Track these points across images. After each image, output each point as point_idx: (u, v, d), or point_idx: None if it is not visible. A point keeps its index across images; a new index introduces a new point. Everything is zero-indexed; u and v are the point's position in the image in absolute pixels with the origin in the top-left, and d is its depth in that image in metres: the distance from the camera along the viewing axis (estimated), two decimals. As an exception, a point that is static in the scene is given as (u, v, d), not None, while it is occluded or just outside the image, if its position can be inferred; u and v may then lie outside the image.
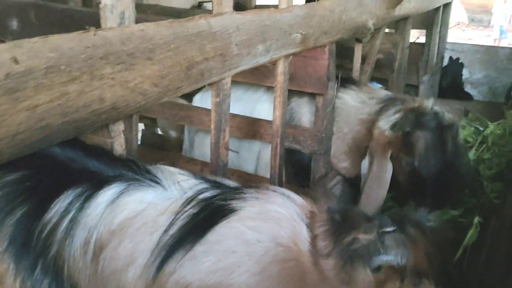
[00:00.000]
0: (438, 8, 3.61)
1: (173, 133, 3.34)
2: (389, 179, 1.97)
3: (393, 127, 1.98)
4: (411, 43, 3.95)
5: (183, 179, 1.18)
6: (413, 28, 4.02)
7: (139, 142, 3.46)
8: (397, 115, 1.99)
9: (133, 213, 1.08)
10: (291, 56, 1.86)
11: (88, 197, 1.08)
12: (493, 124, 2.52)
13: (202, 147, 2.75)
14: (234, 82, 2.60)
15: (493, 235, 1.75)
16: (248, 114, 2.47)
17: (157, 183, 1.16)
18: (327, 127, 2.21)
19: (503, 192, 2.05)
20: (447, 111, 1.96)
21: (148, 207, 1.10)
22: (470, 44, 3.92)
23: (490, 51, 3.62)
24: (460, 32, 13.80)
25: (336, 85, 2.21)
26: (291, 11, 1.73)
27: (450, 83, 3.62)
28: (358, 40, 2.40)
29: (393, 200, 2.24)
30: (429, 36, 3.71)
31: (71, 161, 1.13)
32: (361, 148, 2.19)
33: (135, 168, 1.17)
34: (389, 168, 1.97)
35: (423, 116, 1.95)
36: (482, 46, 3.80)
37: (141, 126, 3.63)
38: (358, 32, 2.27)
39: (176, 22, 1.24)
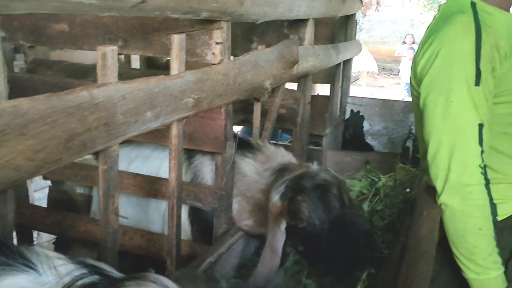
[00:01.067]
0: (338, 64, 3.82)
1: (81, 191, 3.27)
2: (281, 248, 2.04)
3: (281, 197, 2.08)
4: (318, 96, 4.15)
5: (60, 264, 1.12)
6: (317, 82, 4.24)
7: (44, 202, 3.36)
8: (283, 185, 2.09)
9: None
10: (185, 119, 1.91)
11: None
12: (385, 177, 2.68)
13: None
14: (142, 142, 2.63)
15: (381, 286, 1.84)
16: (154, 173, 2.49)
17: (32, 268, 1.09)
18: (227, 184, 2.27)
19: (393, 243, 2.17)
20: (329, 173, 2.09)
21: None
22: (369, 98, 4.18)
23: (387, 104, 3.87)
24: (372, 80, 14.63)
25: (234, 144, 2.29)
26: (182, 77, 1.80)
27: (353, 134, 3.82)
28: (256, 99, 2.50)
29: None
30: (332, 90, 3.91)
31: None
32: (264, 211, 2.26)
33: (7, 252, 1.11)
34: (281, 237, 2.05)
35: (302, 180, 2.06)
36: (380, 99, 4.06)
37: (48, 183, 3.53)
38: (255, 92, 2.37)
39: (55, 95, 1.25)
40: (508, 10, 1.81)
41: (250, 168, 2.33)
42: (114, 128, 1.46)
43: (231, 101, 2.16)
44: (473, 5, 1.76)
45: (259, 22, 2.38)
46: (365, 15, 17.38)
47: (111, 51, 1.43)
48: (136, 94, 1.54)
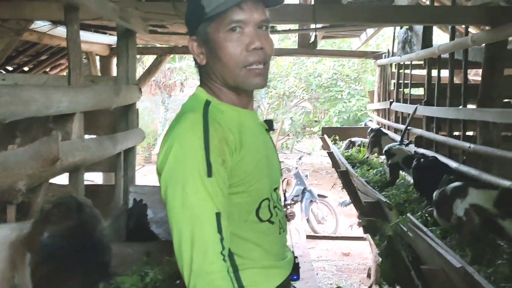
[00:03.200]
0: (119, 153, 3.81)
1: None
2: None
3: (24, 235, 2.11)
4: (103, 185, 4.06)
5: None
6: (102, 171, 4.16)
7: None
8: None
9: None
10: None
11: None
12: (153, 270, 2.65)
13: None
14: None
15: None
16: None
17: None
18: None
19: None
20: None
21: None
22: (151, 186, 4.22)
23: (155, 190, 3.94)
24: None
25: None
26: None
27: (136, 224, 3.78)
28: (9, 202, 2.34)
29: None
30: (115, 179, 3.87)
31: None
32: None
33: None
34: (28, 272, 2.05)
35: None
36: (158, 186, 4.10)
37: None
38: (5, 195, 2.22)
39: None
40: (245, 108, 1.93)
41: None
42: None
43: (-31, 209, 1.99)
44: (207, 104, 1.88)
45: (8, 121, 2.27)
46: (171, 95, 17.98)
47: None
48: None
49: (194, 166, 1.72)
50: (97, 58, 7.82)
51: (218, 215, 1.72)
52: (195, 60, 1.94)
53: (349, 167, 5.85)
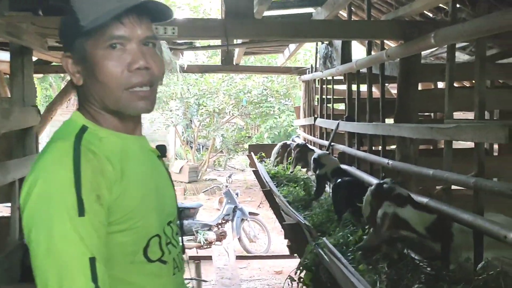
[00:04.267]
0: (13, 183, 3.46)
1: None
2: None
3: None
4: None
5: None
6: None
7: None
8: None
9: None
10: None
11: None
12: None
13: None
14: None
15: None
16: None
17: None
18: None
19: None
20: None
21: None
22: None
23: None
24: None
25: None
26: None
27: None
28: None
29: None
30: (11, 211, 3.52)
31: None
32: None
33: None
34: None
35: None
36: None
37: None
38: None
39: None
40: (131, 133, 1.71)
41: None
42: None
43: None
44: (83, 130, 1.64)
45: None
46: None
47: None
48: None
49: (61, 204, 1.47)
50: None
51: (92, 260, 1.48)
52: (71, 80, 1.70)
53: (273, 186, 5.69)
